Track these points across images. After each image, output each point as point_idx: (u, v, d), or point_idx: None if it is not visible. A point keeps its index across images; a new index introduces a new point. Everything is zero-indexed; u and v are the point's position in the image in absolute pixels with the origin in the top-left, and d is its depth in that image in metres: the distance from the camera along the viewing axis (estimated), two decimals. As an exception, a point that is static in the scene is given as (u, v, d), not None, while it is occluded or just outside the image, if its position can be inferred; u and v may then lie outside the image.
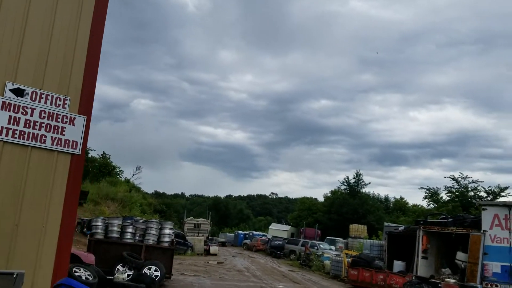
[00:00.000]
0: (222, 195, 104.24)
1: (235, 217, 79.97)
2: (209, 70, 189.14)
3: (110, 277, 11.57)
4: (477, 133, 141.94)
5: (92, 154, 58.58)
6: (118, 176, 57.19)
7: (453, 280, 15.76)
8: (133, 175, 58.42)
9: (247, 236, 53.39)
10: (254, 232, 56.40)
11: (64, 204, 4.84)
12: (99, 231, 13.71)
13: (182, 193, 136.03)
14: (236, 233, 58.14)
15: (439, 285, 15.91)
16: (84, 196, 35.17)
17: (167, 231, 14.28)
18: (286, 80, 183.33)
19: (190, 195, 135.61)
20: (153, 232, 14.05)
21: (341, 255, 24.54)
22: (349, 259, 21.58)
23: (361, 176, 54.92)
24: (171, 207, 54.29)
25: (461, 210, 28.13)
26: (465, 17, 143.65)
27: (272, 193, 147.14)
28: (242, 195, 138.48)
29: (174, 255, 28.85)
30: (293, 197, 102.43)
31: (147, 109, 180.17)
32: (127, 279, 11.72)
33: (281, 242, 39.99)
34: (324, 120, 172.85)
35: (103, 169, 56.39)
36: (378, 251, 25.13)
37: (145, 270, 12.84)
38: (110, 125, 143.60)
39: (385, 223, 27.07)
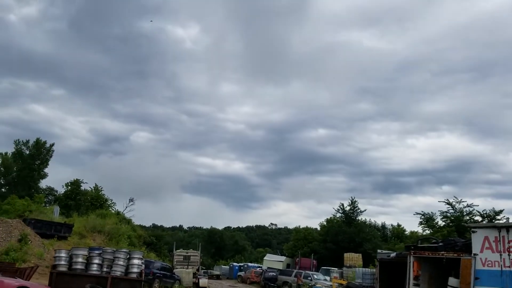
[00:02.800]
0: (221, 226, 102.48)
1: (230, 248, 78.28)
2: (207, 103, 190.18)
3: (67, 313, 10.72)
4: (475, 159, 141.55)
5: (84, 187, 57.91)
6: (110, 209, 56.22)
7: (443, 308, 14.81)
8: (126, 207, 57.49)
9: (242, 268, 51.95)
10: (249, 264, 54.90)
11: None
12: (62, 262, 12.90)
13: (180, 225, 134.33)
14: (231, 265, 56.66)
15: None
16: (69, 229, 34.31)
17: (135, 261, 13.45)
18: (283, 110, 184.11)
19: (188, 227, 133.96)
20: (121, 262, 13.23)
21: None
22: (339, 289, 20.57)
23: (357, 203, 53.97)
24: (161, 239, 53.08)
25: (456, 235, 27.21)
26: (457, 47, 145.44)
27: (272, 223, 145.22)
28: (241, 226, 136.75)
29: (161, 289, 27.97)
30: (292, 227, 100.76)
31: (146, 141, 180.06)
32: (86, 314, 10.87)
33: (275, 273, 38.75)
34: (323, 149, 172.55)
35: (94, 201, 55.49)
36: (371, 280, 24.17)
37: (110, 303, 12.00)
38: (109, 159, 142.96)
39: (378, 250, 26.12)
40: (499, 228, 16.11)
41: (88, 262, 13.20)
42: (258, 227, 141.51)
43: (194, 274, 33.81)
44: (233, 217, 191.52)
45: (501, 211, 30.82)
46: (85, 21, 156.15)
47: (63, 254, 13.03)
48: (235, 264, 56.52)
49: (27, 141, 59.61)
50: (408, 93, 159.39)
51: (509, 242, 15.48)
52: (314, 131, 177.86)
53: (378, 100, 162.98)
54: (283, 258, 51.83)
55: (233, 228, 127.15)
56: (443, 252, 17.86)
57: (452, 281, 16.98)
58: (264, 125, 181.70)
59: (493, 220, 28.20)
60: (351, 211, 53.42)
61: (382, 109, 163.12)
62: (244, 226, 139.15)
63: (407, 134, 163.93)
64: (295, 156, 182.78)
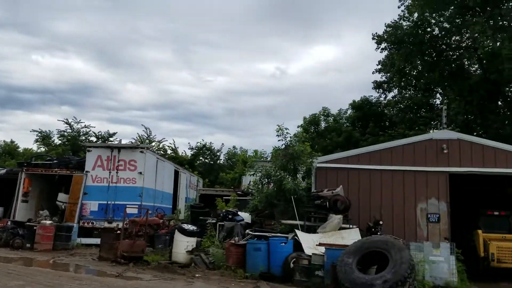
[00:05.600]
0: None
1: None
2: None
3: None
4: (97, 85, 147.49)
5: None
6: None
7: (49, 222, 15.33)
8: None
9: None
10: None
11: None
12: None
13: None
14: None
15: (35, 227, 15.17)
16: None
17: None
18: None
19: None
20: None
21: None
22: None
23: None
24: None
25: (71, 153, 28.19)
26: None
27: None
28: None
29: None
30: None
31: None
32: None
33: None
34: None
35: None
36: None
37: None
38: None
39: (-14, 168, 23.84)
40: (112, 148, 17.97)
41: None
42: None
43: None
44: None
45: (114, 133, 34.08)
46: None
47: None
48: None
49: None
50: (40, 7, 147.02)
51: (118, 161, 17.57)
52: None
53: (9, 8, 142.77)
54: None
55: None
56: (56, 169, 18.36)
57: (61, 196, 17.86)
58: None
59: (107, 142, 30.77)
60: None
61: (10, 19, 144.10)
62: None
63: (33, 49, 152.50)
64: None
